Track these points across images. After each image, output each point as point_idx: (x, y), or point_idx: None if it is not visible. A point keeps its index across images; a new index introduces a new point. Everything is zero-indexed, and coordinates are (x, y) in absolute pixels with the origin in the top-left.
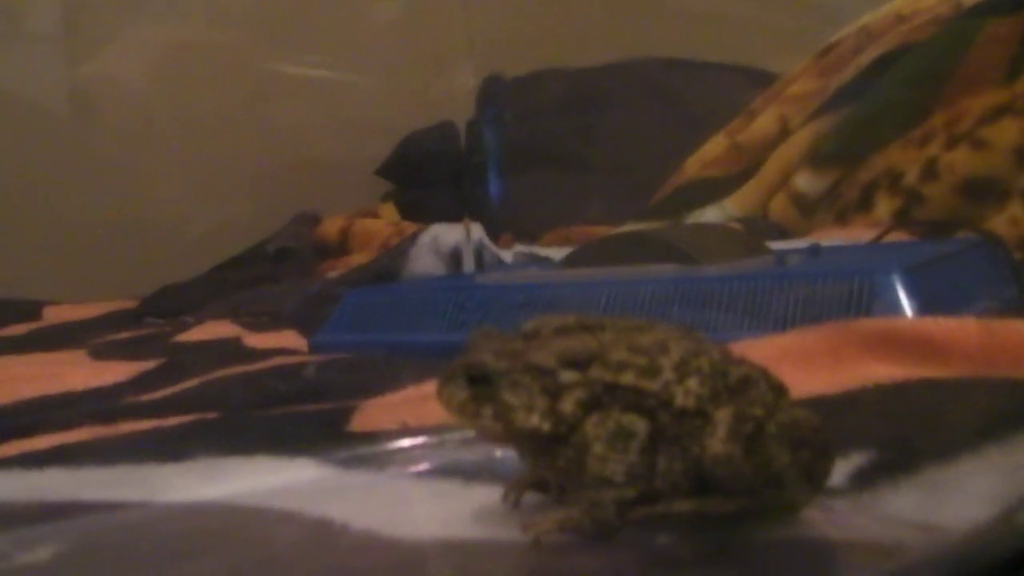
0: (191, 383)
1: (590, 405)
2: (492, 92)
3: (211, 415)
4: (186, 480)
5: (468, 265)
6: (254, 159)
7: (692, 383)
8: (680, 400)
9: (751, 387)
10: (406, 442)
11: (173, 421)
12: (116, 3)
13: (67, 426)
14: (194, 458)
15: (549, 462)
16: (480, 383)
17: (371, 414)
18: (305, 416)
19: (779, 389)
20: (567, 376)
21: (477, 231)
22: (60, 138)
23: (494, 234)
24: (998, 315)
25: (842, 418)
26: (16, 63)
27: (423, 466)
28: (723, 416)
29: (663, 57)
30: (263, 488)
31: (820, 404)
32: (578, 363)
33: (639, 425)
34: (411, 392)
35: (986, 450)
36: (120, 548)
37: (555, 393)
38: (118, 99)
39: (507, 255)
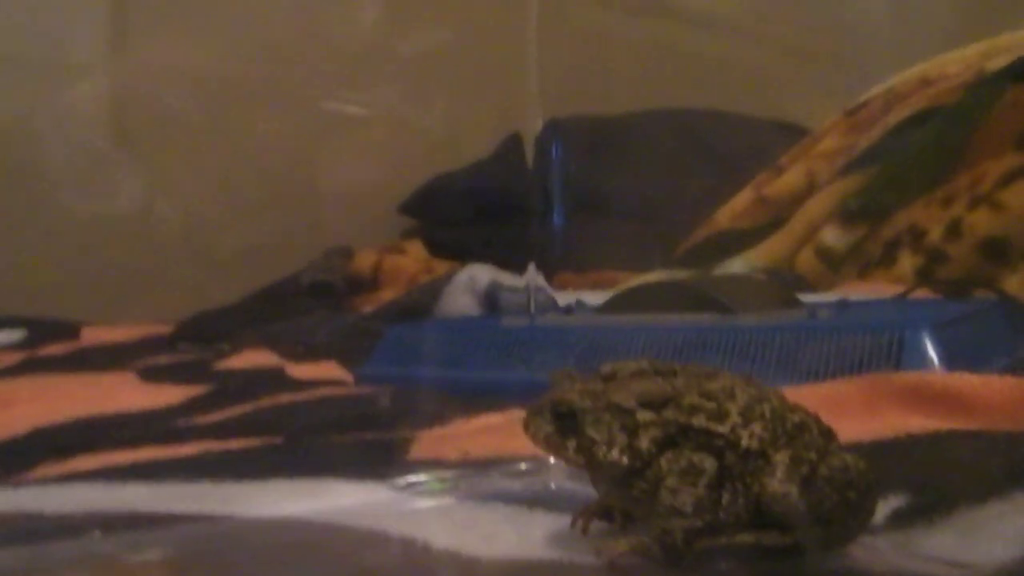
0: (243, 409)
1: (664, 443)
2: (553, 135)
3: (274, 439)
4: (266, 497)
5: (531, 306)
6: (287, 188)
7: (756, 427)
8: (745, 442)
9: (805, 432)
10: (464, 471)
11: (239, 444)
12: (160, 32)
13: (130, 445)
14: (268, 478)
15: (623, 493)
16: (565, 418)
17: (428, 444)
18: (365, 444)
19: (828, 434)
20: (644, 416)
21: (532, 273)
22: (96, 162)
23: (548, 276)
24: (1017, 372)
25: (878, 464)
26: (58, 89)
27: (484, 493)
28: (782, 458)
29: (698, 107)
30: (340, 507)
31: (857, 450)
32: (654, 404)
33: (708, 463)
34: (462, 425)
35: (1013, 496)
36: (221, 555)
37: (633, 430)
38: (157, 125)
39: (562, 297)
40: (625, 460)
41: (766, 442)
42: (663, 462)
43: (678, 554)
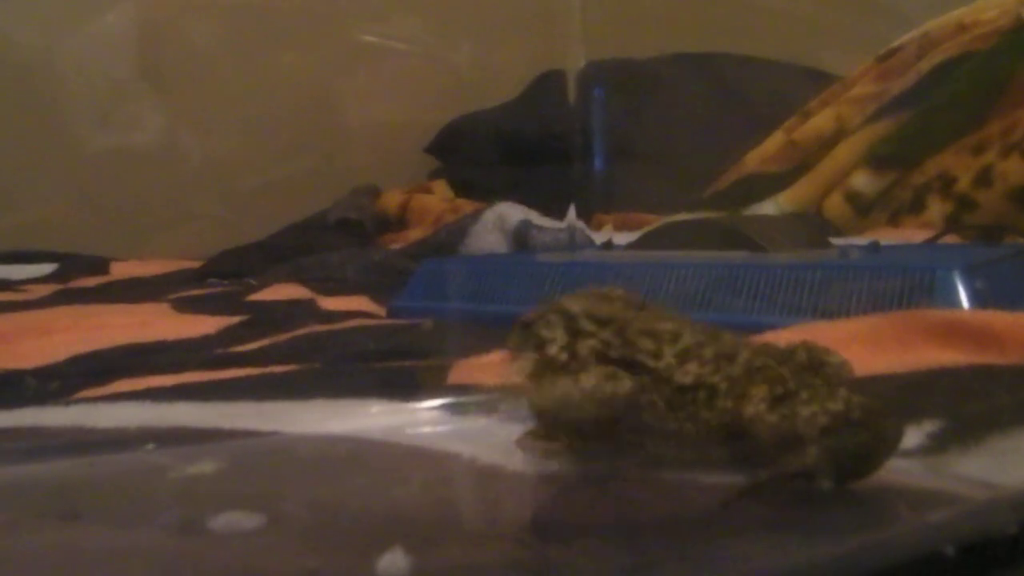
0: (280, 338)
1: (600, 359)
2: (594, 77)
3: (313, 365)
4: (310, 415)
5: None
6: (314, 124)
7: (691, 366)
8: (679, 378)
9: (766, 371)
10: (503, 395)
11: (279, 369)
12: None
13: (171, 370)
14: (312, 398)
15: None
16: (526, 327)
17: (466, 371)
18: (405, 370)
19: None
20: (586, 324)
21: (573, 214)
22: (122, 95)
23: (586, 218)
24: None
25: (913, 393)
26: (84, 20)
27: (525, 415)
28: (757, 391)
29: (728, 52)
30: (383, 425)
31: (890, 381)
32: (599, 319)
33: (624, 385)
34: (495, 356)
35: None
36: (272, 466)
37: (574, 334)
38: (183, 58)
39: (599, 236)
40: (564, 356)
41: (704, 376)
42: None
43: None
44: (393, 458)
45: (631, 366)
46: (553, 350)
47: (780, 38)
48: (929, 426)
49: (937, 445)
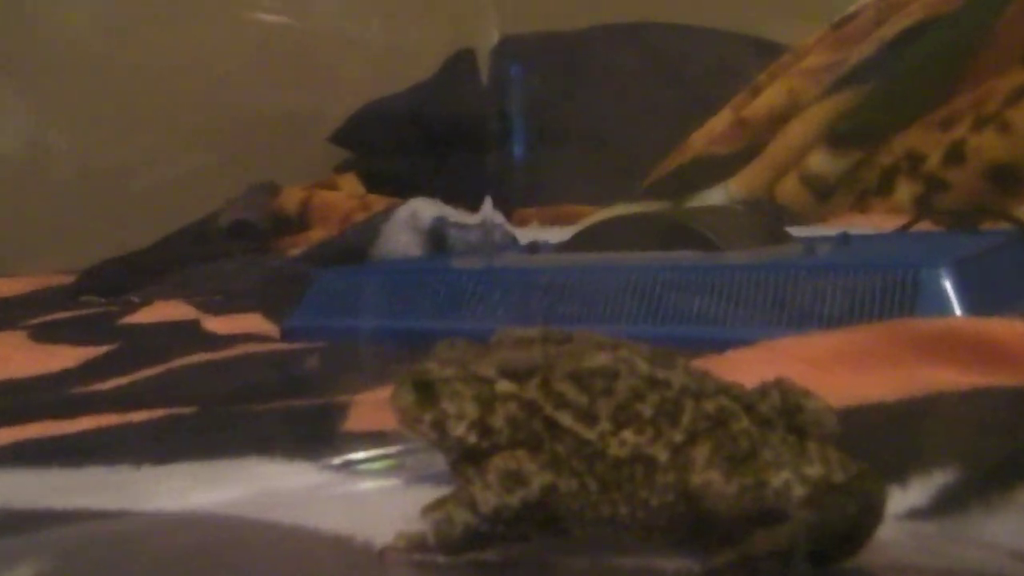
0: (151, 372)
1: (522, 425)
2: (509, 53)
3: (185, 410)
4: (169, 485)
5: (488, 245)
6: (202, 116)
7: (627, 433)
8: (613, 451)
9: (729, 423)
10: (411, 445)
11: (142, 416)
12: None
13: (19, 420)
14: (175, 460)
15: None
16: (424, 389)
17: (367, 411)
18: (294, 412)
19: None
20: (503, 387)
21: (489, 208)
22: None
23: (506, 212)
24: None
25: (912, 429)
26: None
27: (435, 474)
28: (700, 451)
29: (662, 21)
30: (261, 496)
31: (881, 413)
32: (517, 374)
33: (538, 482)
34: None
35: None
36: (109, 566)
37: (488, 403)
38: (46, 45)
39: (522, 235)
40: (472, 438)
41: (641, 446)
42: (497, 459)
43: (453, 550)
44: (266, 547)
45: (558, 435)
46: (460, 431)
47: (720, 4)
48: (940, 476)
49: (954, 502)
